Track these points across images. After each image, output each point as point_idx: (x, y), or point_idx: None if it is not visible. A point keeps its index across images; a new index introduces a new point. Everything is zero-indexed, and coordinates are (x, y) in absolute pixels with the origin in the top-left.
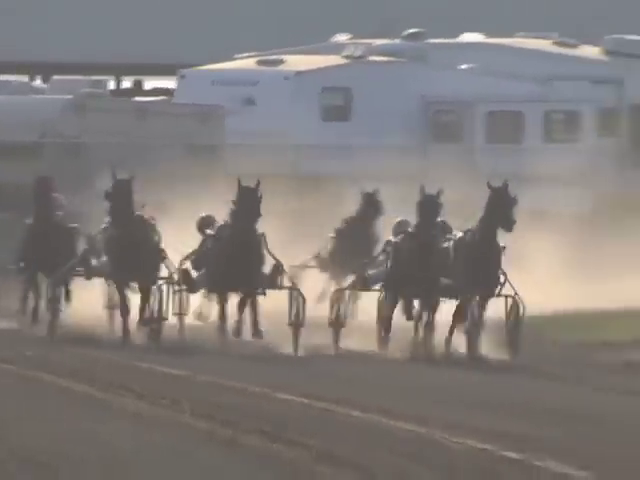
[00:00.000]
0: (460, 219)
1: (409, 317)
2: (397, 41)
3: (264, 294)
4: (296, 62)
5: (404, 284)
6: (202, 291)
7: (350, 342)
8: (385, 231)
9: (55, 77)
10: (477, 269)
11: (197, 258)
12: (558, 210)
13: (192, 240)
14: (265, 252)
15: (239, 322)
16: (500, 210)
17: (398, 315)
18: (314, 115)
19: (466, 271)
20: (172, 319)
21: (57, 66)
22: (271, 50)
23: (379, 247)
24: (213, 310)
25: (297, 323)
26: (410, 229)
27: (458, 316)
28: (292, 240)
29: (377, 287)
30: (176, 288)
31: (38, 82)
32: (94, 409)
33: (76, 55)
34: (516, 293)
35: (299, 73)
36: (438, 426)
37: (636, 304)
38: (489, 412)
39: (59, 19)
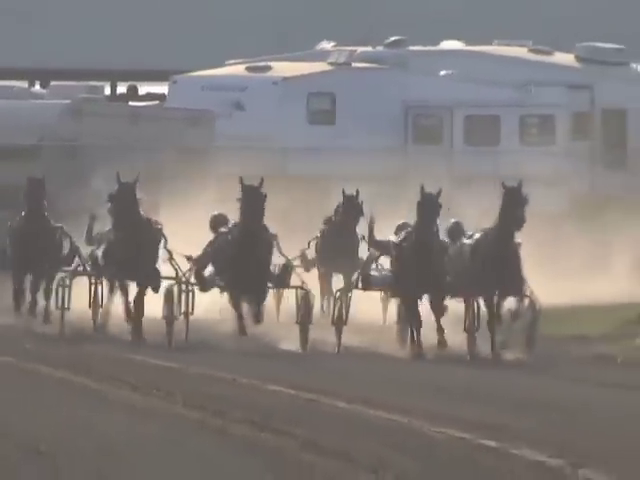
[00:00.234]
0: (440, 216)
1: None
2: (379, 48)
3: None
4: (283, 68)
5: (408, 283)
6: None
7: (349, 339)
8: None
9: (53, 83)
10: (497, 269)
11: (205, 255)
12: (534, 209)
13: (185, 238)
14: (276, 251)
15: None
16: (514, 210)
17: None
18: (301, 119)
19: (486, 271)
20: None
21: (55, 72)
22: (259, 57)
23: (361, 247)
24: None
25: (305, 321)
26: (410, 229)
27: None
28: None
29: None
30: (183, 288)
31: (37, 88)
32: (90, 400)
33: (74, 62)
34: (532, 292)
35: (286, 79)
36: (420, 416)
37: (605, 299)
38: (470, 403)
39: (58, 28)
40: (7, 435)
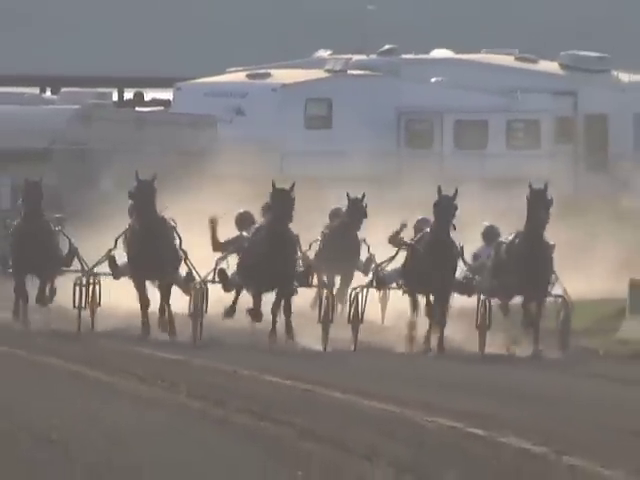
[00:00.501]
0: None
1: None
2: (373, 57)
3: (297, 292)
4: (282, 76)
5: (421, 282)
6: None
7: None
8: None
9: (63, 89)
10: (529, 270)
11: (226, 250)
12: (519, 210)
13: (186, 236)
14: (298, 252)
15: (274, 326)
16: (540, 211)
17: (401, 311)
18: (299, 124)
19: (519, 272)
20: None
21: (66, 79)
22: (259, 65)
23: (362, 250)
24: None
25: (327, 320)
26: (428, 229)
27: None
28: None
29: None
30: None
31: (48, 94)
32: (100, 391)
33: (83, 70)
34: (565, 291)
35: (285, 86)
36: (413, 406)
37: (587, 296)
38: (461, 395)
39: (68, 37)
40: (21, 424)
